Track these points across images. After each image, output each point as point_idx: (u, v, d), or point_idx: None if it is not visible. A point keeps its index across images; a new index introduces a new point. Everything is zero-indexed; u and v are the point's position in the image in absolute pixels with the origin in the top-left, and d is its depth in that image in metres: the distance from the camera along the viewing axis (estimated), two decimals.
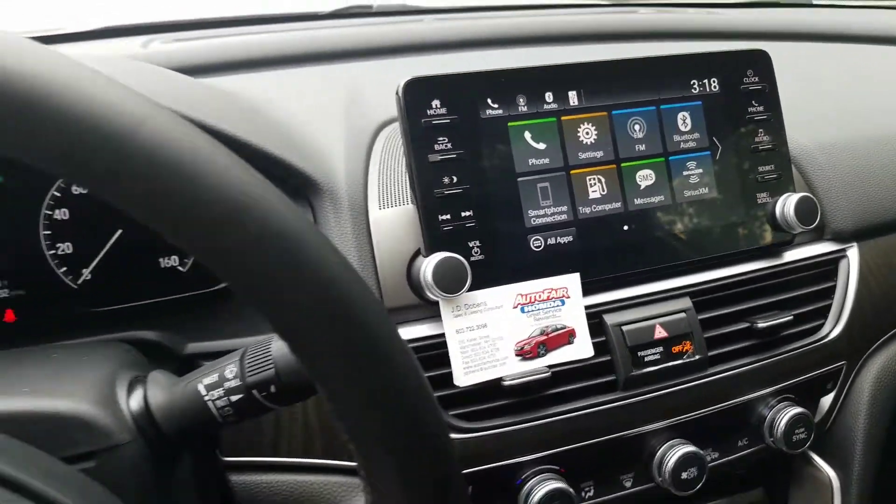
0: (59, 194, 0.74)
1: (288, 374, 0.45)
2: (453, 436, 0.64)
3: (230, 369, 0.46)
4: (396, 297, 0.66)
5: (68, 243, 0.75)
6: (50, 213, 0.74)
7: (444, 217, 0.64)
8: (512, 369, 0.65)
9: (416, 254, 0.66)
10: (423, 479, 0.34)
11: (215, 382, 0.47)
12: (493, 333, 0.64)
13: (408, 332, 0.64)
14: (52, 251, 0.75)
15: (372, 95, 0.81)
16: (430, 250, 0.63)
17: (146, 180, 0.28)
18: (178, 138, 0.29)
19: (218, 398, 0.46)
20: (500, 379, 0.65)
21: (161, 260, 0.78)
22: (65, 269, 0.75)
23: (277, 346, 0.46)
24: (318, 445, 0.62)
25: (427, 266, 0.61)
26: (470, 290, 0.63)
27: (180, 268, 0.79)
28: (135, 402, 0.48)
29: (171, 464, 0.50)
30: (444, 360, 0.64)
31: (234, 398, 0.46)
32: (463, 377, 0.63)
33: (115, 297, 0.77)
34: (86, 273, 0.76)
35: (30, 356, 0.57)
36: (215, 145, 0.31)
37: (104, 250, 0.76)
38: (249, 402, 0.46)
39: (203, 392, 0.47)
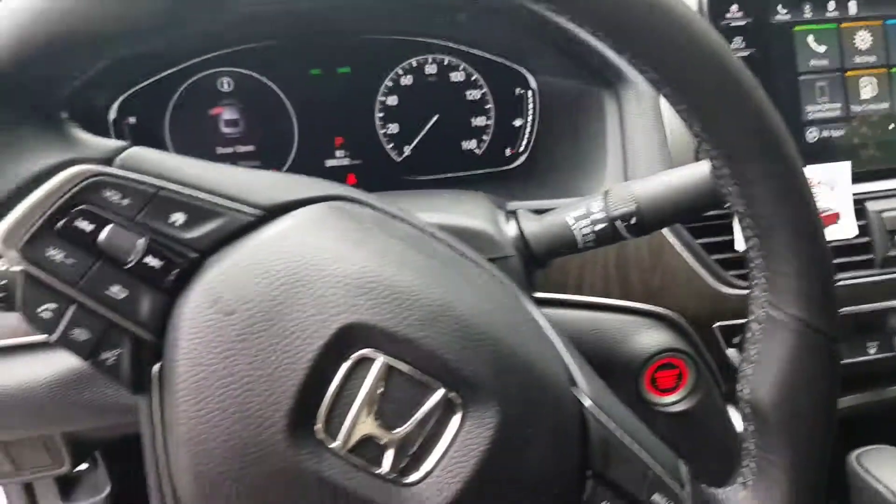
0: (391, 84, 0.92)
1: (648, 209, 0.57)
2: (730, 291, 0.76)
3: (596, 204, 0.59)
4: None
5: (395, 124, 0.93)
6: (383, 99, 0.92)
7: None
8: None
9: None
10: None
11: (583, 214, 0.59)
12: None
13: None
14: (383, 130, 0.93)
15: None
16: None
17: None
18: None
19: (583, 227, 0.59)
20: None
21: (463, 143, 0.95)
22: (392, 145, 0.93)
23: (639, 187, 0.58)
24: (615, 289, 0.75)
25: None
26: None
27: (476, 150, 0.95)
28: (511, 229, 0.62)
29: (532, 280, 0.65)
30: (726, 228, 0.75)
31: (597, 227, 0.59)
32: (741, 243, 0.75)
33: (426, 170, 0.94)
34: (407, 150, 0.94)
35: (423, 195, 0.73)
36: None
37: (423, 132, 0.93)
38: (609, 232, 0.58)
39: (571, 222, 0.60)
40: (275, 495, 0.38)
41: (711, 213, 0.76)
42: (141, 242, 0.38)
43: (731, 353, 0.80)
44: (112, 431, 0.99)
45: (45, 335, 0.38)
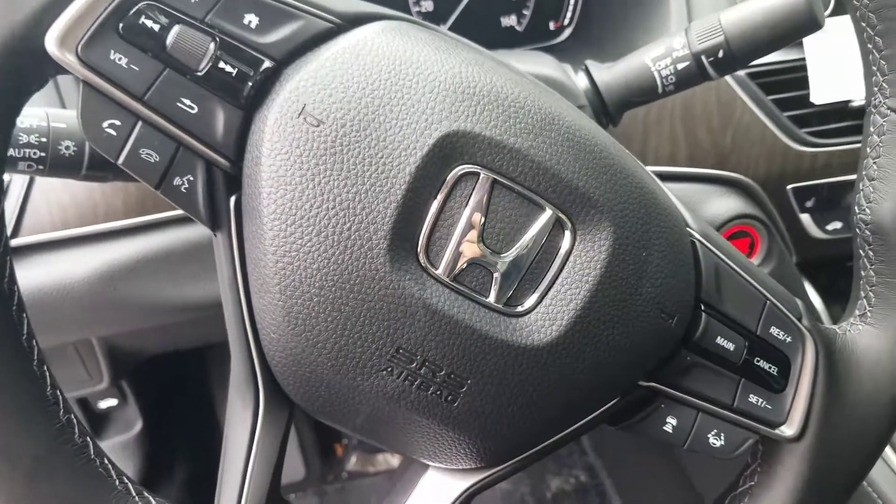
0: None
1: (737, 39, 0.52)
2: (804, 149, 0.71)
3: (678, 41, 0.54)
4: None
5: (430, 2, 0.86)
6: None
7: None
8: (860, 93, 0.70)
9: None
10: None
11: (662, 54, 0.55)
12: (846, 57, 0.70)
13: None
14: (417, 9, 0.86)
15: None
16: None
17: None
18: None
19: (664, 68, 0.54)
20: (849, 101, 0.71)
21: (502, 19, 0.89)
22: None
23: (726, 16, 0.53)
24: (682, 153, 0.71)
25: None
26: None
27: (517, 27, 0.89)
28: (581, 81, 0.57)
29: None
30: (800, 82, 0.70)
31: (680, 66, 0.54)
32: (818, 96, 0.70)
33: None
34: (444, 28, 0.88)
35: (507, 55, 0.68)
36: None
37: (458, 9, 0.87)
38: (694, 70, 0.53)
39: (650, 64, 0.55)
40: (377, 326, 0.34)
41: (784, 65, 0.71)
42: (212, 46, 0.33)
43: (805, 218, 0.76)
44: (151, 343, 0.96)
45: (110, 157, 0.34)
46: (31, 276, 0.65)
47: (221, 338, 0.39)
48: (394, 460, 1.57)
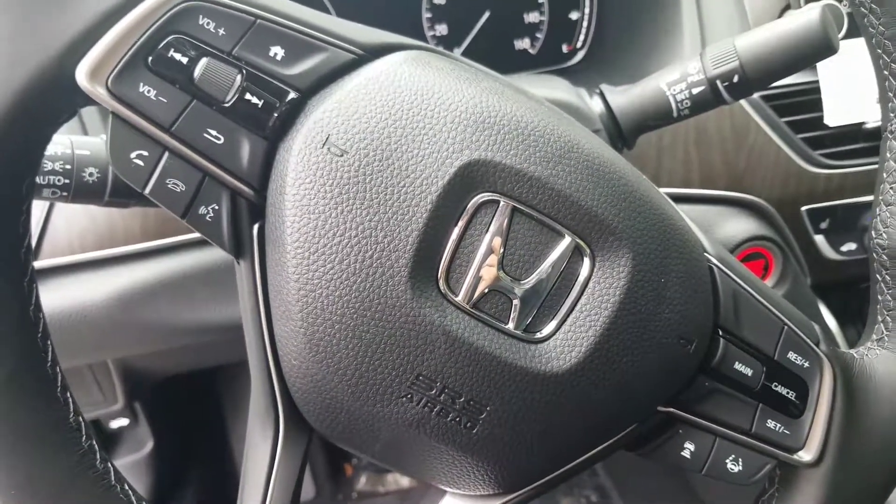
0: None
1: (752, 64, 0.52)
2: (818, 171, 0.71)
3: (693, 66, 0.54)
4: None
5: (444, 25, 0.87)
6: None
7: None
8: (874, 115, 0.71)
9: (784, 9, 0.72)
10: None
11: (677, 79, 0.55)
12: (860, 79, 0.70)
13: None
14: (432, 32, 0.87)
15: None
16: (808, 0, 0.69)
17: None
18: None
19: (679, 92, 0.54)
20: (863, 123, 0.71)
21: (516, 42, 0.89)
22: (441, 48, 0.88)
23: (741, 41, 0.53)
24: (695, 175, 0.71)
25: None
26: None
27: (530, 50, 0.90)
28: (596, 105, 0.58)
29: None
30: (814, 105, 0.70)
31: (695, 90, 0.54)
32: (832, 118, 0.70)
33: None
34: (457, 52, 0.89)
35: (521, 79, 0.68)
36: None
37: (473, 31, 0.88)
38: (709, 95, 0.53)
39: (665, 88, 0.55)
40: (398, 353, 0.34)
41: (798, 88, 0.72)
42: (239, 78, 0.34)
43: (819, 239, 0.76)
44: (166, 364, 0.97)
45: (137, 187, 0.34)
46: (50, 299, 0.65)
47: (236, 358, 0.40)
48: (403, 480, 1.56)
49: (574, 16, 0.88)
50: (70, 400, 0.35)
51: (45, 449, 0.33)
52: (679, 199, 0.71)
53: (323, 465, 1.52)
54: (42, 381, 0.34)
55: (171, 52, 0.33)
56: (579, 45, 0.89)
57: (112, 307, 0.67)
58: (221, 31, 0.34)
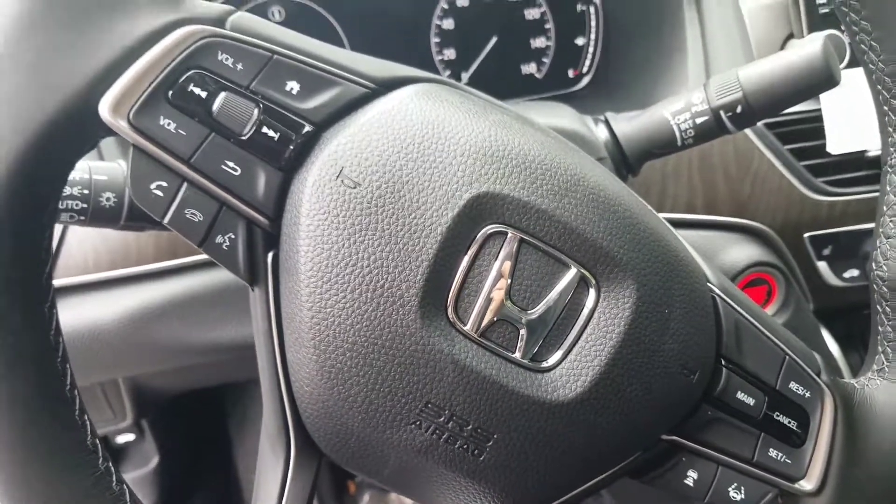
0: (446, 6, 0.88)
1: (755, 95, 0.53)
2: (821, 198, 0.72)
3: (697, 95, 0.56)
4: None
5: (452, 49, 0.89)
6: (439, 23, 0.88)
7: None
8: (876, 143, 0.72)
9: (787, 38, 0.73)
10: None
11: (681, 108, 0.56)
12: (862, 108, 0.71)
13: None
14: (440, 56, 0.89)
15: None
16: (811, 30, 0.70)
17: None
18: None
19: (683, 122, 0.55)
20: (865, 151, 0.72)
21: (522, 67, 0.91)
22: (448, 72, 0.90)
23: (744, 72, 0.54)
24: (699, 201, 0.72)
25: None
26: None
27: (537, 74, 0.91)
28: (601, 133, 0.59)
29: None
30: (816, 132, 0.71)
31: (699, 120, 0.55)
32: (834, 146, 0.71)
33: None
34: (465, 77, 0.90)
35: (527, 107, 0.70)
36: None
37: (481, 56, 0.89)
38: (713, 124, 0.54)
39: (669, 118, 0.56)
40: (407, 381, 0.35)
41: (801, 116, 0.73)
42: (256, 112, 0.35)
43: (822, 265, 0.76)
44: (175, 382, 0.97)
45: (156, 217, 0.35)
46: (64, 318, 0.65)
47: (245, 377, 0.40)
48: (407, 501, 1.56)
49: (580, 41, 0.89)
50: (88, 423, 0.36)
51: (63, 472, 0.34)
52: (683, 224, 0.72)
53: (327, 482, 1.52)
54: (61, 405, 0.35)
55: (191, 87, 0.34)
56: (585, 70, 0.90)
57: (125, 326, 0.68)
58: (239, 67, 0.35)
